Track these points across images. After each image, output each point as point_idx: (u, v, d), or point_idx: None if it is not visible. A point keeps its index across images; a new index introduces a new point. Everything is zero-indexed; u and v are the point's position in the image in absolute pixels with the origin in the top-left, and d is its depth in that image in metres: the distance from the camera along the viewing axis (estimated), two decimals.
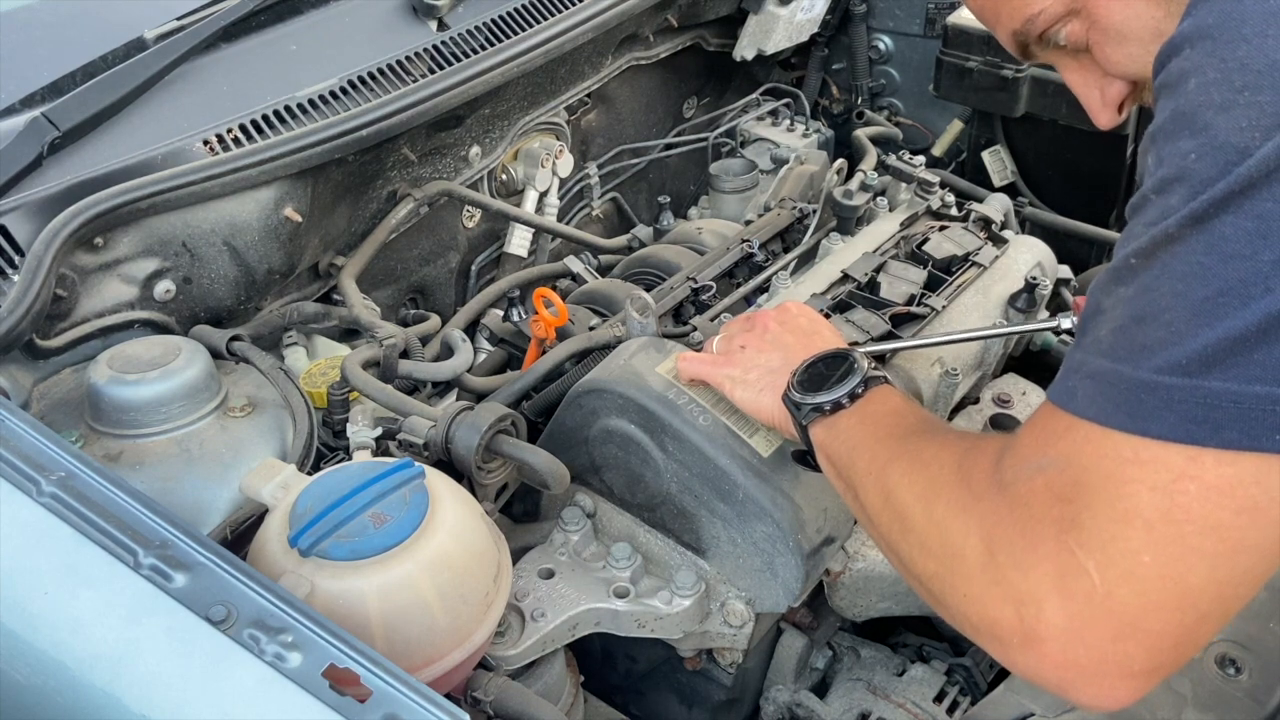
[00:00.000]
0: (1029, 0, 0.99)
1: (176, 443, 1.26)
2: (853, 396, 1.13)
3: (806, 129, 2.28)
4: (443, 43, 1.75)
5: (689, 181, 2.44)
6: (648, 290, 1.62)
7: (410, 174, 1.79)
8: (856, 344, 1.42)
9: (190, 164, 1.43)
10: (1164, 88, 0.80)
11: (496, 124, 1.91)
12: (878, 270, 1.67)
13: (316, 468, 1.27)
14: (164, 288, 1.45)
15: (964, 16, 2.24)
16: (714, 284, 1.68)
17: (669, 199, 2.10)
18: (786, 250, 1.84)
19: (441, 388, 1.59)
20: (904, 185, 1.96)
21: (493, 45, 1.77)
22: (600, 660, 1.58)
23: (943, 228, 1.80)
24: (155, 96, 1.52)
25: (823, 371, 1.18)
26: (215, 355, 1.36)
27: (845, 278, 1.67)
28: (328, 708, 0.81)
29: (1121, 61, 0.99)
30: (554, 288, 1.73)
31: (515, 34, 1.81)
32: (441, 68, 1.71)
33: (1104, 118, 1.05)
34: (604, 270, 1.93)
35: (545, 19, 1.86)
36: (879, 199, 1.93)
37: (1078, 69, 1.04)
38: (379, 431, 1.33)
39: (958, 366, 1.60)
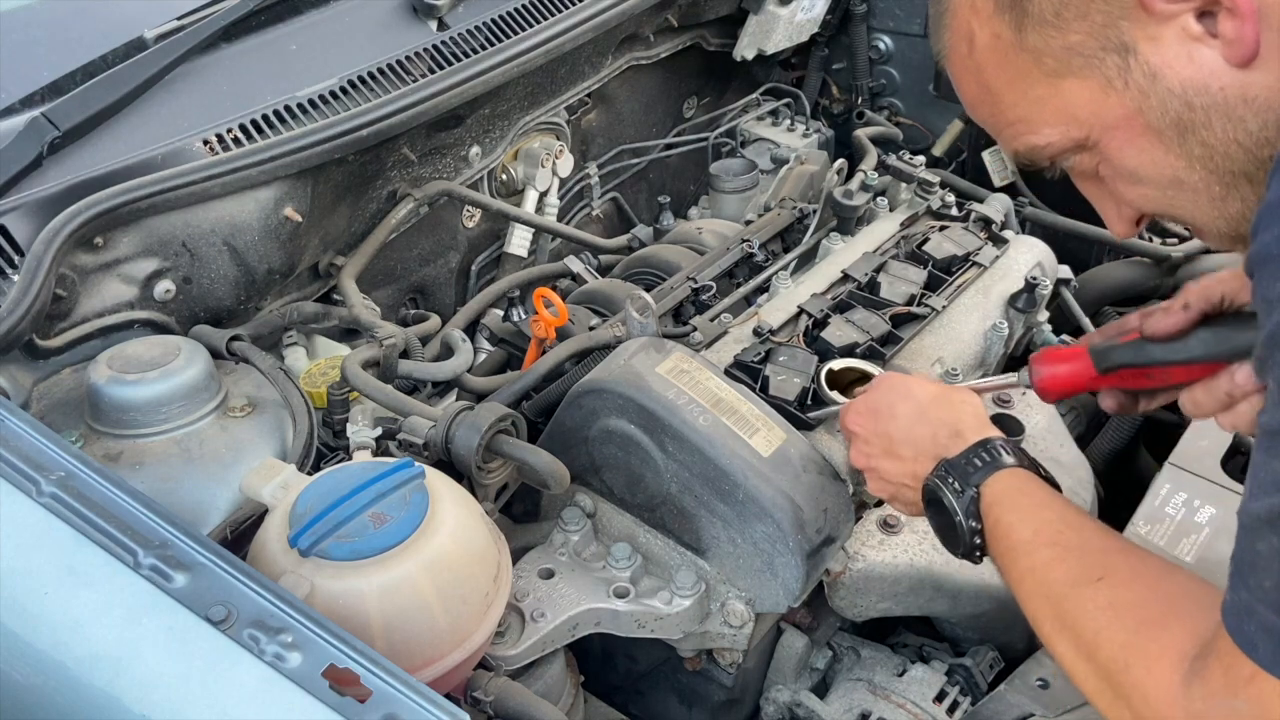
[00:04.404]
0: (1033, 128, 0.94)
1: (176, 443, 1.26)
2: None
3: (806, 129, 2.28)
4: (443, 43, 1.75)
5: (689, 181, 2.44)
6: (648, 290, 1.62)
7: (410, 174, 1.79)
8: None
9: (190, 164, 1.43)
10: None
11: (496, 124, 1.91)
12: (878, 270, 1.67)
13: (316, 468, 1.27)
14: (164, 288, 1.45)
15: None
16: (714, 284, 1.67)
17: (669, 199, 2.10)
18: (786, 250, 1.84)
19: (441, 388, 1.59)
20: (904, 185, 1.96)
21: (493, 45, 1.77)
22: (600, 660, 1.58)
23: (943, 228, 1.80)
24: (155, 96, 1.52)
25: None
26: (215, 355, 1.36)
27: (845, 278, 1.67)
28: (328, 708, 0.81)
29: (1136, 200, 0.95)
30: (554, 288, 1.72)
31: (515, 34, 1.81)
32: (441, 68, 1.71)
33: (1120, 229, 1.00)
34: (604, 270, 1.93)
35: (545, 19, 1.86)
36: (879, 199, 1.93)
37: (1091, 184, 0.99)
38: (379, 431, 1.33)
39: (958, 366, 1.60)
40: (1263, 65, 0.83)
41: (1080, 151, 0.94)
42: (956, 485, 1.13)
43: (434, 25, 1.83)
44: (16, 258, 1.30)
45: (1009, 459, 1.13)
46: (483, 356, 1.71)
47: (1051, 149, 0.95)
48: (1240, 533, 0.82)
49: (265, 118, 1.54)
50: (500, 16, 1.82)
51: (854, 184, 1.92)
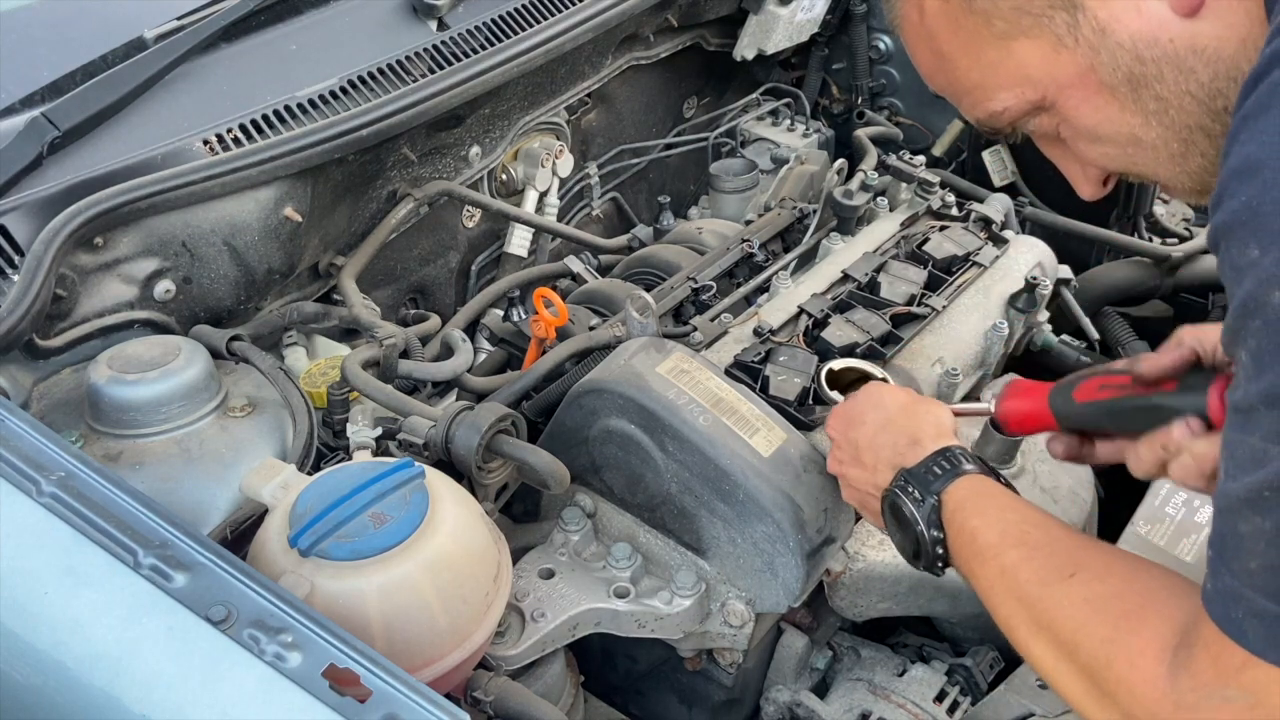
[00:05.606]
0: (990, 94, 0.94)
1: (176, 443, 1.26)
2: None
3: (807, 129, 2.28)
4: (443, 43, 1.75)
5: (689, 181, 2.44)
6: (648, 290, 1.62)
7: (410, 174, 1.79)
8: None
9: (190, 164, 1.43)
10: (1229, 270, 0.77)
11: (496, 124, 1.91)
12: (878, 270, 1.67)
13: (316, 468, 1.27)
14: (164, 288, 1.45)
15: None
16: (714, 284, 1.68)
17: (669, 199, 2.10)
18: (787, 250, 1.84)
19: (441, 388, 1.59)
20: (904, 185, 1.96)
21: (493, 45, 1.77)
22: (600, 660, 1.58)
23: (943, 228, 1.80)
24: (155, 96, 1.52)
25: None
26: (215, 355, 1.36)
27: (845, 278, 1.67)
28: (328, 708, 0.81)
29: (1098, 160, 0.94)
30: (554, 288, 1.72)
31: (515, 34, 1.81)
32: (441, 68, 1.71)
33: (1087, 190, 0.99)
34: (604, 270, 1.93)
35: (545, 19, 1.85)
36: (879, 199, 1.93)
37: (1054, 146, 0.99)
38: (379, 431, 1.33)
39: (958, 366, 1.60)
40: (1209, 14, 0.83)
41: (1038, 113, 0.94)
42: (917, 494, 1.12)
43: (434, 25, 1.83)
44: (16, 258, 1.30)
45: (968, 465, 1.12)
46: (483, 356, 1.71)
47: (1010, 113, 0.94)
48: (1218, 516, 0.79)
49: (265, 118, 1.54)
50: (500, 16, 1.82)
51: (854, 184, 1.92)
